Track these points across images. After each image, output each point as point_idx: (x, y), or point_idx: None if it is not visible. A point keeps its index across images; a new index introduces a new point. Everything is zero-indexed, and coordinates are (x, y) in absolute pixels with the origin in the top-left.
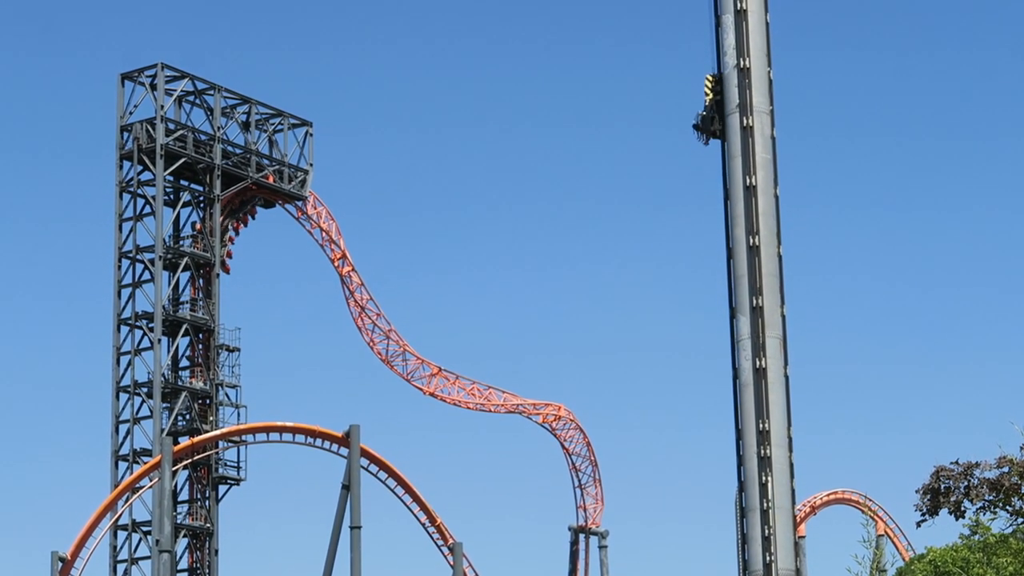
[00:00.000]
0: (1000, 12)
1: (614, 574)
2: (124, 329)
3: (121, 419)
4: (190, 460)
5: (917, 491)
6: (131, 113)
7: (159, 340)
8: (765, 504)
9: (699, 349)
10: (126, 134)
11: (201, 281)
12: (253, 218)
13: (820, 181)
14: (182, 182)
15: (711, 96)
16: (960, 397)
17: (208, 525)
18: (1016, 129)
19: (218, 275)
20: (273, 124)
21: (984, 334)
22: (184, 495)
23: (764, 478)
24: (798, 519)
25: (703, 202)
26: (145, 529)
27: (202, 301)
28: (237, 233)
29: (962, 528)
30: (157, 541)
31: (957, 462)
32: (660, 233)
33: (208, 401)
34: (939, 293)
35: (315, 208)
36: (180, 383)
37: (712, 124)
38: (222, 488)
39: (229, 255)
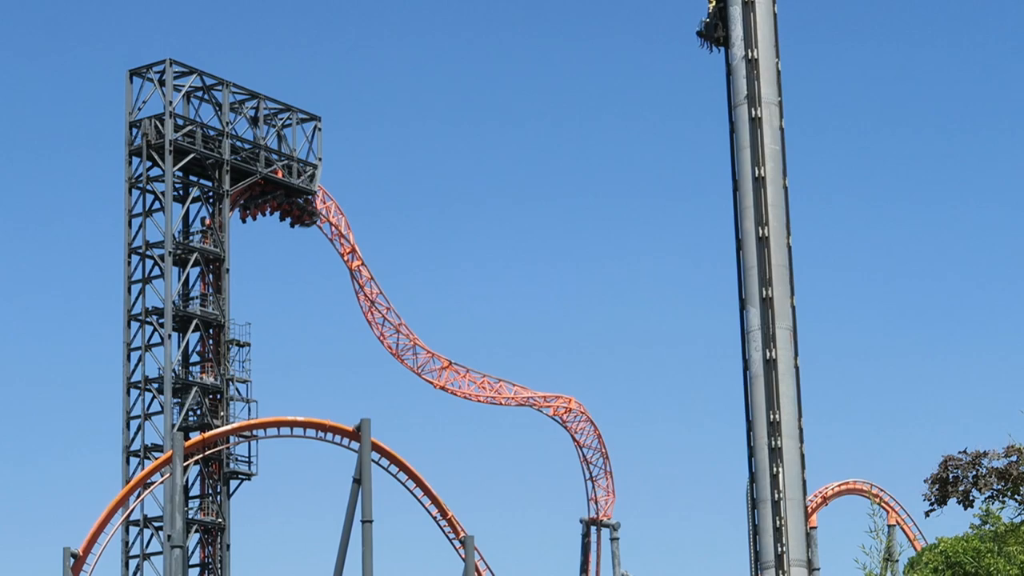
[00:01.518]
0: (1006, 3)
1: (626, 566)
2: (134, 325)
3: (132, 415)
4: (201, 455)
5: (926, 481)
6: (140, 109)
7: (169, 336)
8: (776, 495)
9: (709, 340)
10: (135, 130)
11: (211, 276)
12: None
13: (829, 172)
14: (191, 178)
15: (714, 3)
16: (968, 387)
17: (220, 520)
18: None
19: (227, 270)
20: (282, 119)
21: (992, 324)
22: (195, 490)
23: (775, 469)
24: (809, 510)
25: (712, 194)
26: (157, 525)
27: (212, 296)
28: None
29: (972, 518)
30: (169, 536)
31: (965, 451)
32: (669, 225)
33: (219, 396)
34: (948, 283)
35: (324, 203)
36: (191, 378)
37: (716, 31)
38: (233, 483)
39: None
